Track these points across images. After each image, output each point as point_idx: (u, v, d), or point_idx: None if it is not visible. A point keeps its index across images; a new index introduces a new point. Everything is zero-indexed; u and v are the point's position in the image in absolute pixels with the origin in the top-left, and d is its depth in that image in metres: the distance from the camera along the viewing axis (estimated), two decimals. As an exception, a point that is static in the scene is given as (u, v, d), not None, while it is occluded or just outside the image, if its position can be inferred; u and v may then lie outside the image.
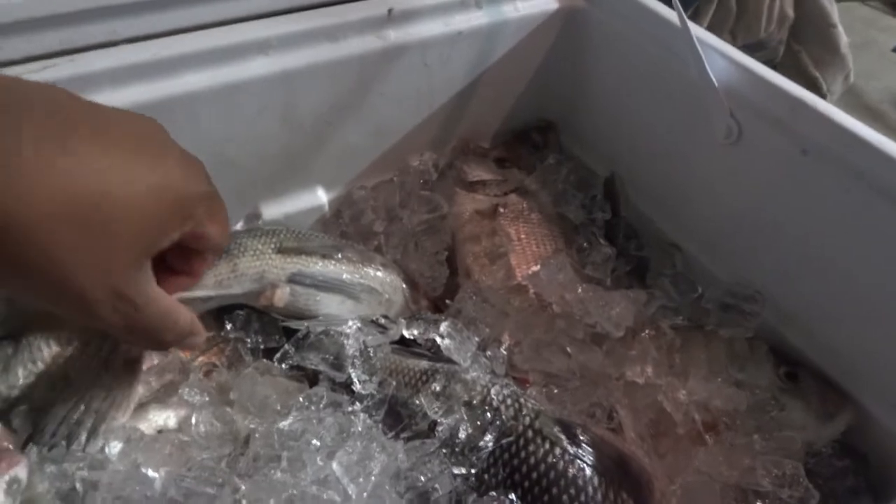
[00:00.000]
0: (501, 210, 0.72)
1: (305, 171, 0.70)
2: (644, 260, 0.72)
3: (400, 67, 0.68)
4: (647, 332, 0.62)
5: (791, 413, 0.58)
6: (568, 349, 0.60)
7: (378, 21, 0.65)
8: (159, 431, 0.53)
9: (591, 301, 0.62)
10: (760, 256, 0.64)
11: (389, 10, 0.65)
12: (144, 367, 0.56)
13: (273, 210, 0.70)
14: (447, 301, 0.67)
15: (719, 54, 0.62)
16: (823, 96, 1.37)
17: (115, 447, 0.47)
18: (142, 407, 0.54)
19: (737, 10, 1.41)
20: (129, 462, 0.46)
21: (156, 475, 0.46)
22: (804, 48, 1.49)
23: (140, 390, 0.53)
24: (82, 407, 0.49)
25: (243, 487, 0.45)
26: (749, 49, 0.90)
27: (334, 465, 0.47)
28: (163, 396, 0.56)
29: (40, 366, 0.53)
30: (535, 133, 0.81)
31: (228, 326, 0.58)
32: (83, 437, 0.47)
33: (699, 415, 0.57)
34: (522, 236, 0.70)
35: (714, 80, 0.62)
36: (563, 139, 0.82)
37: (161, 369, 0.57)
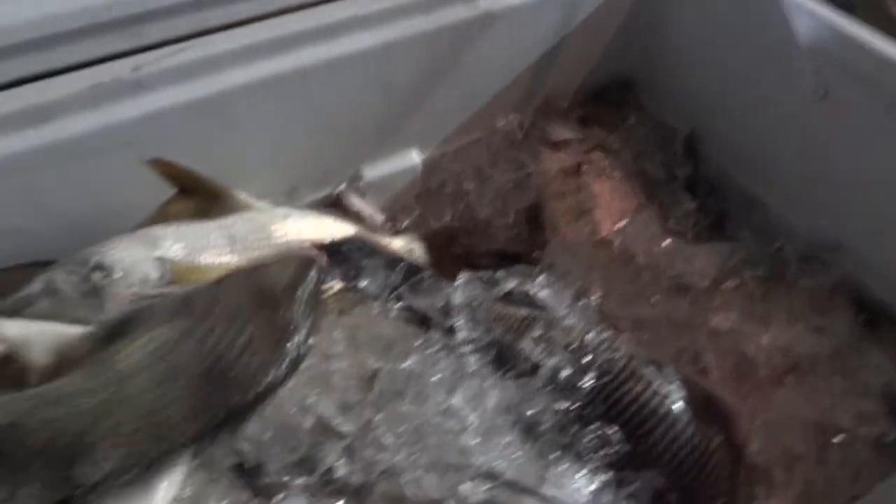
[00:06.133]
0: (585, 167, 0.76)
1: (401, 135, 0.75)
2: (724, 214, 0.75)
3: (488, 35, 0.71)
4: (729, 282, 0.66)
5: (870, 357, 0.61)
6: (654, 299, 0.65)
7: (469, -9, 0.68)
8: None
9: (676, 254, 0.66)
10: (844, 211, 0.66)
11: (481, -20, 0.68)
12: None
13: (373, 172, 0.76)
14: (535, 254, 0.72)
15: (805, 11, 0.63)
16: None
17: None
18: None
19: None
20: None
21: None
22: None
23: None
24: None
25: (377, 416, 0.52)
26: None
27: (454, 400, 0.54)
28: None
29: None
30: (614, 91, 0.84)
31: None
32: None
33: (780, 358, 0.61)
34: (606, 192, 0.74)
35: (798, 37, 0.63)
36: (642, 96, 0.84)
37: None
